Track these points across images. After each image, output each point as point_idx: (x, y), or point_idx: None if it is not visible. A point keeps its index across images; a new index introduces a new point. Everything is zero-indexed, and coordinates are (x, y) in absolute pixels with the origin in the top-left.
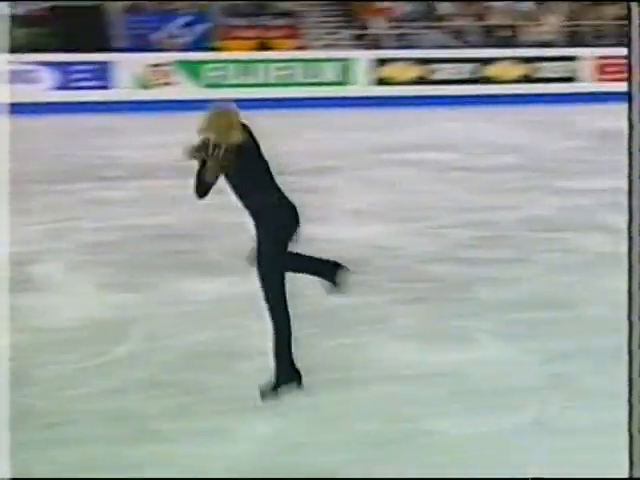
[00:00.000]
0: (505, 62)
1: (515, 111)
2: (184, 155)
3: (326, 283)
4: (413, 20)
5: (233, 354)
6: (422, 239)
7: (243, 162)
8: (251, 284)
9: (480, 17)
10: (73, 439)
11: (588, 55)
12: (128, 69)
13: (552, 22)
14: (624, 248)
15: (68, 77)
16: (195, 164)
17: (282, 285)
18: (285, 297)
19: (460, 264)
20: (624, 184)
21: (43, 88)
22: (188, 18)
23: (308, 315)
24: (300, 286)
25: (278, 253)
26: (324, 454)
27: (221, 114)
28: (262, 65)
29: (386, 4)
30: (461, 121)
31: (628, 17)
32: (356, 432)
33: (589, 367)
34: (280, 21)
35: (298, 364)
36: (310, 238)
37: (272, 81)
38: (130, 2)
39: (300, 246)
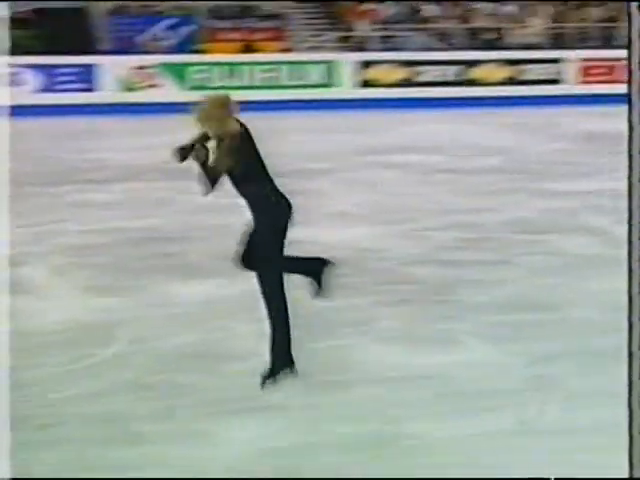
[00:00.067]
0: (490, 64)
1: (500, 113)
2: (189, 157)
3: (312, 287)
4: (398, 22)
5: (220, 356)
6: (407, 241)
7: (243, 149)
8: (237, 286)
9: (465, 19)
10: (59, 441)
11: (572, 57)
12: (113, 71)
13: (536, 24)
14: (608, 250)
15: (52, 80)
16: (188, 164)
17: (280, 272)
18: (282, 285)
19: (445, 266)
20: (608, 186)
21: (27, 91)
22: (173, 20)
23: (292, 317)
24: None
25: (276, 241)
26: (308, 457)
27: (218, 102)
28: (247, 67)
29: (371, 6)
30: (446, 123)
31: (628, 17)
32: (341, 434)
33: (574, 369)
34: (265, 23)
35: None
36: (294, 240)
37: (257, 83)
38: (114, 4)
39: (285, 248)
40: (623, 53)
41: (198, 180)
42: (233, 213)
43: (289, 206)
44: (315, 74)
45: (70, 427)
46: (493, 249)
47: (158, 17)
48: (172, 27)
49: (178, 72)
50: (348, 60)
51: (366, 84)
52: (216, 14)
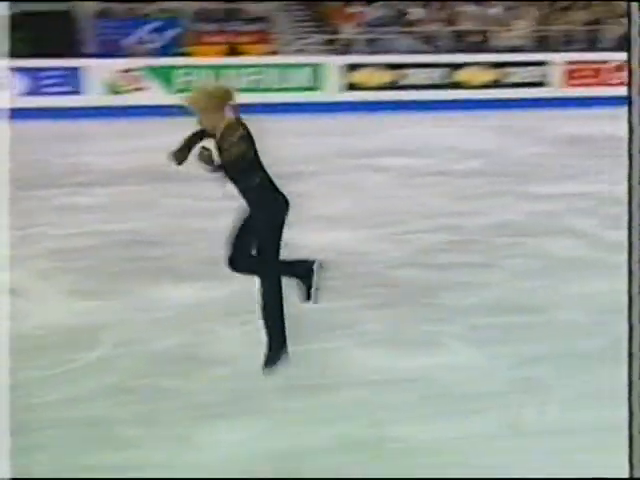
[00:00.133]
0: (475, 67)
1: (485, 116)
2: (187, 159)
3: (300, 290)
4: (384, 25)
5: (204, 360)
6: (391, 244)
7: (249, 137)
8: (222, 290)
9: (450, 22)
10: (40, 446)
11: (558, 60)
12: (98, 74)
13: (522, 27)
14: (593, 252)
15: (38, 83)
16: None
17: (277, 256)
18: (280, 272)
19: (430, 269)
20: (592, 189)
21: (12, 94)
22: (158, 23)
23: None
24: None
25: (274, 238)
26: (292, 460)
27: (217, 92)
28: (233, 70)
29: (357, 9)
30: (432, 126)
31: (628, 17)
32: (325, 437)
33: (559, 371)
34: (251, 26)
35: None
36: None
37: (243, 86)
38: (100, 7)
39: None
40: (608, 56)
41: (215, 178)
42: (217, 217)
43: (286, 202)
44: (301, 77)
45: (53, 431)
46: (478, 252)
47: (143, 20)
48: (157, 30)
49: (164, 75)
50: (334, 63)
51: (352, 87)
52: (202, 17)
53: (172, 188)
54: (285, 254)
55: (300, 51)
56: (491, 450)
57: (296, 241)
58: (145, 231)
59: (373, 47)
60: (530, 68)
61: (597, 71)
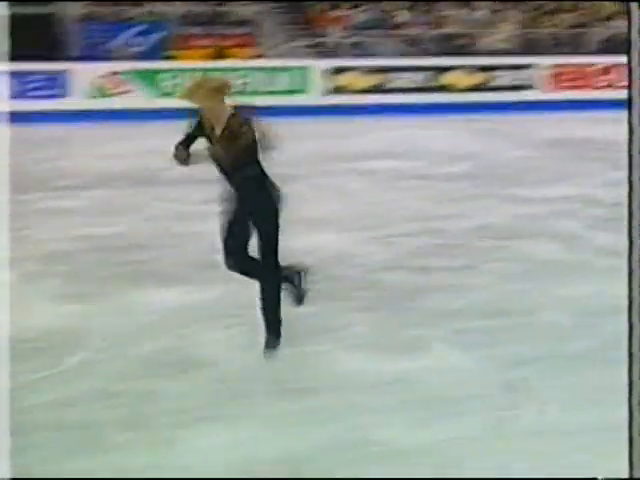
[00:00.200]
0: (461, 70)
1: (470, 119)
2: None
3: (291, 295)
4: (369, 28)
5: (189, 363)
6: (376, 247)
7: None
8: (207, 293)
9: (436, 25)
10: (23, 449)
11: (543, 63)
12: (83, 78)
13: (507, 30)
14: (577, 255)
15: (23, 86)
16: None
17: (276, 244)
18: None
19: (414, 272)
20: (577, 192)
21: None
22: (144, 26)
23: (262, 324)
24: (255, 296)
25: (273, 232)
26: (277, 463)
27: (214, 83)
28: (219, 74)
29: (342, 13)
30: (417, 129)
31: (628, 17)
32: (309, 440)
33: (544, 373)
34: (236, 30)
35: (251, 374)
36: None
37: None
38: (85, 10)
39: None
40: (594, 59)
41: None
42: (203, 220)
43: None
44: (286, 80)
45: (37, 435)
46: (463, 255)
47: (129, 23)
48: (143, 33)
49: (149, 78)
50: (319, 66)
51: (338, 90)
52: (187, 20)
53: (157, 192)
54: None
55: (286, 54)
56: (476, 452)
57: (283, 243)
58: (130, 235)
59: (359, 50)
60: (516, 71)
61: (583, 74)
